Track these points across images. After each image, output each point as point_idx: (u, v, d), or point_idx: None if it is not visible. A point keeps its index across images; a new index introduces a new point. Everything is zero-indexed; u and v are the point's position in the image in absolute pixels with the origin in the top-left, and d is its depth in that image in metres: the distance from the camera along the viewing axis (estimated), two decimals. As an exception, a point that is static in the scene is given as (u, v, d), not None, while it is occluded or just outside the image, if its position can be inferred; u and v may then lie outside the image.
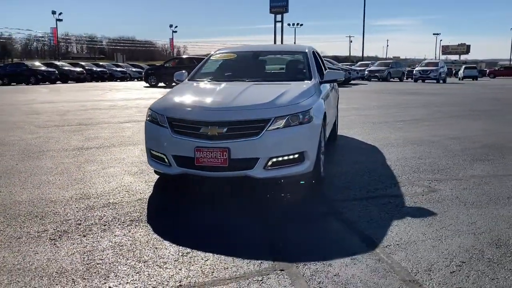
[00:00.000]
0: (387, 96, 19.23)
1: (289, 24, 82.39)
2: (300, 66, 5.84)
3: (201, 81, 5.71)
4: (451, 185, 4.81)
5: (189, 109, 4.53)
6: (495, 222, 3.73)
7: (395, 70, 37.15)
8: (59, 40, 78.29)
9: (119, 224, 3.75)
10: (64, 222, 3.82)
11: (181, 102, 4.71)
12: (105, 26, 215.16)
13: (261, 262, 3.01)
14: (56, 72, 34.10)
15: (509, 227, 3.62)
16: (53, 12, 61.87)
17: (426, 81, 35.30)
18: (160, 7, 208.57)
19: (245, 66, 6.12)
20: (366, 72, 37.15)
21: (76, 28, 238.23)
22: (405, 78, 38.89)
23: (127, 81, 40.53)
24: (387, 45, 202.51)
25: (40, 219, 3.89)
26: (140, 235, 3.53)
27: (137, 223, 3.77)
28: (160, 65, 29.32)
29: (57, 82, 34.39)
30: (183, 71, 6.09)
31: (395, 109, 13.01)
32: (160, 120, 4.55)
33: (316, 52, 6.84)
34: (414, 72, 36.10)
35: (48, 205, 4.25)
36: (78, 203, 4.33)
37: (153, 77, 26.05)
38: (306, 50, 6.01)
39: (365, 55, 70.06)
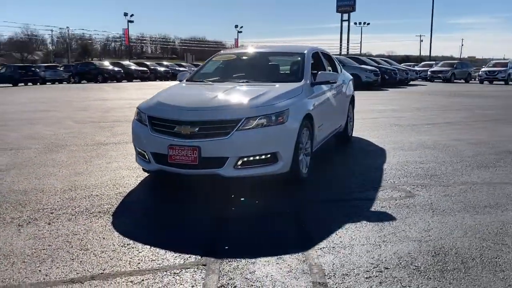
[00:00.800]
0: (436, 98, 18.49)
1: (355, 23, 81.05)
2: (294, 67, 5.88)
3: (197, 81, 5.91)
4: (433, 191, 4.68)
5: (167, 108, 4.74)
6: (451, 230, 3.63)
7: (460, 71, 35.44)
8: (132, 40, 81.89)
9: (86, 215, 4.04)
10: (40, 210, 4.16)
11: (163, 101, 4.94)
12: (178, 26, 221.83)
13: (189, 257, 3.15)
14: (122, 71, 35.90)
15: (463, 235, 3.52)
16: (125, 14, 65.00)
17: (494, 82, 33.40)
18: (230, 7, 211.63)
19: (241, 67, 6.26)
20: (428, 73, 35.75)
21: (152, 29, 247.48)
22: (472, 79, 36.97)
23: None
24: (462, 45, 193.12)
25: (22, 206, 4.27)
26: (97, 225, 3.78)
27: (102, 215, 4.04)
28: None
29: (123, 81, 36.16)
30: (186, 72, 6.32)
31: (433, 112, 12.54)
32: (143, 119, 4.81)
33: (323, 53, 6.82)
34: (479, 73, 34.22)
35: (37, 195, 4.64)
36: (64, 194, 4.68)
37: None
38: (305, 52, 6.04)
39: (439, 54, 67.58)
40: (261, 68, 6.04)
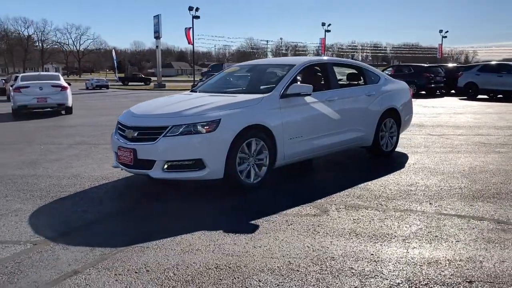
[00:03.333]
0: None
1: None
2: (273, 79, 5.97)
3: (194, 92, 6.47)
4: (362, 213, 4.38)
5: (127, 114, 5.48)
6: (292, 249, 3.51)
7: None
8: (328, 47, 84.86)
9: (30, 197, 5.04)
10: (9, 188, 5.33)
11: (132, 108, 5.69)
12: (390, 33, 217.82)
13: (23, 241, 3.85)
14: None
15: (296, 256, 3.39)
16: (323, 24, 67.34)
17: None
18: (433, 8, 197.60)
19: (232, 79, 6.61)
20: None
21: (362, 36, 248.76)
22: None
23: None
24: None
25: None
26: (23, 211, 4.62)
27: (38, 200, 4.96)
28: None
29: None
30: (201, 82, 6.96)
31: None
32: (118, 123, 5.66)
33: (323, 65, 6.59)
34: None
35: (31, 177, 5.86)
36: (49, 179, 5.81)
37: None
38: (296, 64, 6.06)
39: None
40: (244, 80, 6.30)
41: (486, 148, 7.71)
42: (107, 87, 45.34)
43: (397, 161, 6.75)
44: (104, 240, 3.73)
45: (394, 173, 5.99)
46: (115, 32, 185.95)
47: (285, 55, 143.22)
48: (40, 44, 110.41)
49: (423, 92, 23.83)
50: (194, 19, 50.09)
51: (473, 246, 3.51)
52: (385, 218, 4.19)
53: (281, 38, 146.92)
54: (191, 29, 50.50)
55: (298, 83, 5.76)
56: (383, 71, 27.16)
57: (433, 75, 23.29)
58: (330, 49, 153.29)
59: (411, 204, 4.63)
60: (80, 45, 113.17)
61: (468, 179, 5.60)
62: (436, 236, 3.73)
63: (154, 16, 52.21)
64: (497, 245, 3.52)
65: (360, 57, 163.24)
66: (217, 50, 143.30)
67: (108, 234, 3.91)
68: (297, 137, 5.60)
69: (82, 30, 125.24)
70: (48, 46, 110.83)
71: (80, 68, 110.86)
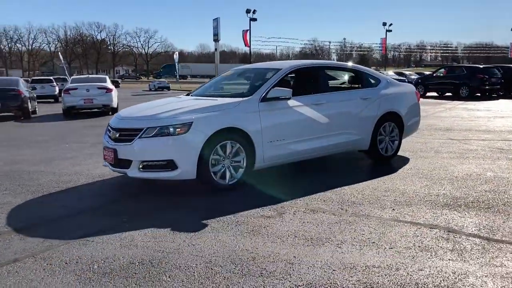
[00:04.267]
0: None
1: None
2: (257, 83, 6.09)
3: (188, 95, 6.73)
4: (315, 217, 4.42)
5: (115, 117, 5.84)
6: (221, 249, 3.65)
7: None
8: (394, 47, 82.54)
9: (24, 191, 5.50)
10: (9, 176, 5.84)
11: (122, 111, 6.05)
12: (462, 32, 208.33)
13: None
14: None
15: (220, 255, 3.53)
16: (384, 24, 65.90)
17: None
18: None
19: (221, 83, 6.79)
20: None
21: (432, 36, 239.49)
22: None
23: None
24: None
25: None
26: (10, 204, 5.05)
27: (30, 194, 5.41)
28: (429, 74, 28.06)
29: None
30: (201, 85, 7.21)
31: None
32: (109, 125, 6.03)
33: (312, 69, 6.62)
34: None
35: (38, 173, 6.37)
36: (52, 175, 6.28)
37: (421, 86, 25.29)
38: (282, 68, 6.15)
39: None
40: (233, 84, 6.46)
41: (500, 155, 7.38)
42: (168, 88, 47.14)
43: (393, 166, 6.64)
44: (60, 233, 4.05)
45: (381, 177, 5.91)
46: (182, 35, 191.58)
47: (350, 55, 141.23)
48: (112, 48, 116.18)
49: (479, 94, 22.74)
50: (251, 21, 50.71)
51: (403, 253, 3.48)
52: (336, 223, 4.21)
53: (344, 39, 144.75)
54: (248, 31, 51.16)
55: (281, 87, 5.81)
56: (434, 72, 26.19)
57: (488, 77, 22.17)
58: (397, 49, 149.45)
59: (372, 209, 4.59)
60: (148, 47, 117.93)
61: (453, 186, 5.44)
62: (373, 243, 3.71)
63: (213, 19, 53.39)
64: (428, 253, 3.47)
65: (428, 57, 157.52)
66: (280, 52, 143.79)
67: (67, 228, 4.22)
68: (278, 140, 5.69)
69: (150, 33, 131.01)
70: (119, 49, 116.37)
71: (148, 70, 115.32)
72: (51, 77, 32.15)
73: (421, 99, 21.21)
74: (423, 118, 11.40)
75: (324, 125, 6.16)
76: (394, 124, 7.02)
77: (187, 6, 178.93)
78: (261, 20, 52.10)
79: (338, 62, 7.81)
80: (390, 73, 41.32)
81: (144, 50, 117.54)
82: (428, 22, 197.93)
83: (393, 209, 4.59)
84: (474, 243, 3.67)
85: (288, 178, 6.17)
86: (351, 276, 3.10)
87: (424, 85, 25.36)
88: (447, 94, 24.66)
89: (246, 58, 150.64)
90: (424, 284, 2.97)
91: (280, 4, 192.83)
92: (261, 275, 3.13)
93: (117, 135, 5.34)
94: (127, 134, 5.25)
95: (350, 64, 7.33)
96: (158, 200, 5.15)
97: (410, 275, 3.10)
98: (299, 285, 2.98)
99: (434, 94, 25.49)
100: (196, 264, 3.33)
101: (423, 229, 4.02)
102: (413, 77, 33.90)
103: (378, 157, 6.90)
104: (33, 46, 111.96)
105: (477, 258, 3.36)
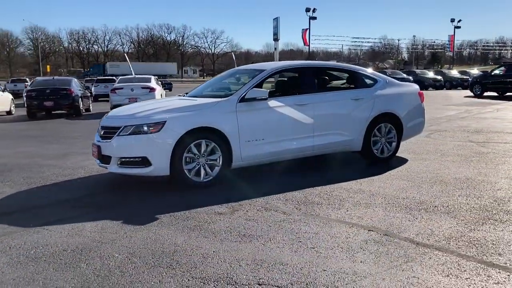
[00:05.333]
0: None
1: None
2: (242, 84, 6.25)
3: (183, 96, 7.02)
4: (264, 215, 4.51)
5: (105, 116, 6.24)
6: (151, 243, 3.88)
7: None
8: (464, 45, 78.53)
9: (23, 183, 6.02)
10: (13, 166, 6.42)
11: (112, 110, 6.44)
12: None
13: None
14: (411, 79, 35.95)
15: (145, 248, 3.76)
16: (452, 20, 62.98)
17: None
18: None
19: (215, 84, 7.00)
20: None
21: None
22: None
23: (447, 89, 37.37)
24: None
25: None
26: (1, 194, 5.61)
27: (26, 186, 5.93)
28: (487, 72, 26.39)
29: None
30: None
31: None
32: (103, 123, 6.44)
33: (299, 70, 6.69)
34: None
35: (47, 167, 6.93)
36: (57, 169, 6.81)
37: (477, 86, 23.98)
38: (266, 69, 6.28)
39: None
40: (222, 85, 6.67)
41: (509, 159, 7.02)
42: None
43: (385, 167, 6.54)
44: (25, 222, 4.44)
45: (364, 179, 5.88)
46: (248, 35, 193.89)
47: (422, 54, 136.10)
48: (181, 48, 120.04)
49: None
50: (311, 20, 50.52)
51: (319, 253, 3.52)
52: (279, 221, 4.30)
53: (414, 36, 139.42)
54: (308, 30, 51.00)
55: (260, 88, 5.94)
56: (492, 71, 24.58)
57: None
58: (473, 46, 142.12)
59: (326, 210, 4.62)
60: (214, 48, 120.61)
61: (429, 189, 5.33)
62: (300, 241, 3.78)
63: (273, 19, 53.81)
64: (345, 255, 3.49)
65: (509, 54, 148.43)
66: (348, 50, 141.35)
67: (34, 217, 4.61)
68: (257, 139, 5.82)
69: (217, 34, 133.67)
70: (188, 50, 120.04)
71: (215, 70, 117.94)
72: (114, 77, 33.91)
73: (473, 99, 20.24)
74: (460, 119, 10.98)
75: (308, 126, 6.19)
76: (391, 125, 6.89)
77: (255, 6, 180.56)
78: (326, 18, 51.50)
79: (330, 63, 7.78)
80: (455, 72, 39.51)
81: (211, 50, 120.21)
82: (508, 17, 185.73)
83: (347, 210, 4.60)
84: (399, 246, 3.63)
85: (265, 177, 6.25)
86: (252, 272, 3.21)
87: (481, 85, 24.05)
88: (508, 94, 23.24)
89: (312, 57, 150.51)
90: (313, 283, 3.02)
91: (348, 3, 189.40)
92: (169, 267, 3.32)
93: (102, 133, 5.72)
94: (109, 132, 5.61)
95: (342, 64, 7.30)
96: (131, 194, 5.45)
97: (309, 274, 3.16)
98: (196, 277, 3.14)
99: (494, 94, 24.08)
100: (118, 255, 3.57)
101: (360, 231, 4.02)
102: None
103: (372, 158, 6.81)
104: (108, 47, 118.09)
105: (390, 262, 3.34)
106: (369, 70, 7.40)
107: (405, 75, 37.21)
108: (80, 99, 17.09)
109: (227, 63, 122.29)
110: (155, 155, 5.33)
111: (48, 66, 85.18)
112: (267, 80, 6.41)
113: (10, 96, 19.39)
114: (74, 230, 4.18)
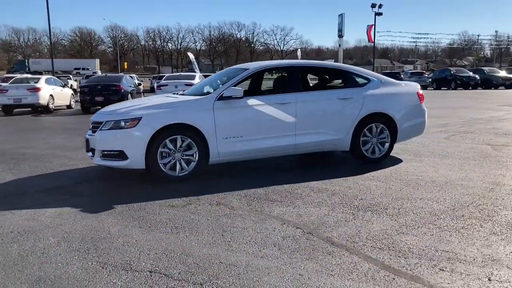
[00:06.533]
0: None
1: None
2: (225, 82, 6.44)
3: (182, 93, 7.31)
4: (210, 209, 4.68)
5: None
6: (86, 230, 4.22)
7: None
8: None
9: (28, 171, 6.60)
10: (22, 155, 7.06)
11: (107, 106, 6.88)
12: None
13: None
14: (477, 78, 34.10)
15: (76, 233, 4.12)
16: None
17: None
18: None
19: (206, 83, 7.21)
20: None
21: None
22: None
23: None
24: None
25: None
26: (2, 178, 6.25)
27: (27, 174, 6.52)
28: None
29: (478, 88, 34.24)
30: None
31: None
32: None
33: (285, 69, 6.76)
34: None
35: (58, 157, 7.54)
36: (66, 159, 7.39)
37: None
38: (249, 68, 6.45)
39: None
40: (209, 83, 6.90)
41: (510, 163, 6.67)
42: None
43: (373, 167, 6.45)
44: (1, 205, 4.95)
45: (338, 178, 5.86)
46: (320, 31, 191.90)
47: (507, 50, 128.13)
48: (250, 46, 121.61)
49: None
50: (376, 16, 49.24)
51: (233, 246, 3.65)
52: (221, 216, 4.46)
53: (496, 31, 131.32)
54: (373, 26, 49.78)
55: (237, 87, 6.09)
56: None
57: None
58: None
59: (274, 207, 4.71)
60: (283, 45, 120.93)
61: (396, 191, 5.24)
62: (222, 235, 3.93)
63: (338, 15, 53.06)
64: (254, 249, 3.60)
65: None
66: (425, 46, 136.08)
67: (11, 202, 5.07)
68: (235, 137, 6.00)
69: (286, 31, 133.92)
70: (257, 47, 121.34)
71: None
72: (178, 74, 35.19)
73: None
74: (499, 121, 10.50)
75: (289, 124, 6.26)
76: (384, 125, 6.77)
77: (327, 2, 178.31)
78: (398, 14, 49.87)
79: (319, 62, 7.68)
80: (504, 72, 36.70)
81: (280, 47, 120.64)
82: None
83: (294, 208, 4.67)
84: (312, 245, 3.68)
85: (242, 173, 6.36)
86: (153, 260, 3.42)
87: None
88: None
89: (385, 53, 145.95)
90: (200, 272, 3.18)
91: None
92: (85, 251, 3.61)
93: (91, 127, 6.16)
94: (95, 127, 6.03)
95: (332, 63, 7.21)
96: (112, 185, 5.83)
97: (203, 265, 3.31)
98: (99, 262, 3.41)
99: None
100: (53, 238, 3.92)
101: (288, 228, 4.09)
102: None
103: (363, 159, 6.75)
104: (181, 45, 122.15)
105: (290, 259, 3.42)
106: (364, 70, 7.28)
107: (471, 74, 35.35)
108: (129, 95, 18.00)
109: (295, 58, 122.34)
110: (131, 149, 5.66)
111: (125, 63, 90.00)
112: (265, 79, 6.52)
113: (71, 91, 20.84)
114: (35, 214, 4.58)
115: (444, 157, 7.13)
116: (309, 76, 7.10)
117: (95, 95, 17.37)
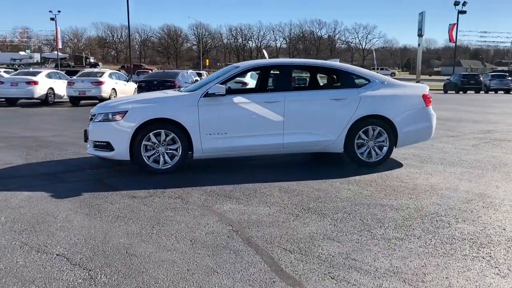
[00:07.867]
0: None
1: None
2: (216, 79, 6.53)
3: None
4: (166, 202, 4.85)
5: (97, 106, 7.09)
6: (38, 215, 4.57)
7: None
8: None
9: (38, 158, 7.15)
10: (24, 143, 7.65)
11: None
12: None
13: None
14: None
15: (26, 219, 4.47)
16: None
17: None
18: None
19: (209, 80, 7.32)
20: None
21: None
22: None
23: None
24: None
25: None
26: (14, 162, 6.84)
27: (34, 159, 7.07)
28: None
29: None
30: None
31: None
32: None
33: (277, 68, 6.70)
34: None
35: (71, 145, 8.10)
36: (78, 148, 7.90)
37: None
38: (241, 66, 6.51)
39: None
40: (206, 80, 7.03)
41: (522, 174, 6.16)
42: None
43: (365, 171, 6.25)
44: (-11, 187, 5.45)
45: (320, 180, 5.75)
46: (405, 30, 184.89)
47: None
48: (332, 44, 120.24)
49: None
50: (459, 14, 46.68)
51: (153, 238, 3.78)
52: (169, 209, 4.57)
53: None
54: (456, 25, 47.23)
55: (220, 85, 6.17)
56: None
57: None
58: None
59: (227, 204, 4.73)
60: (366, 43, 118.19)
61: (366, 196, 5.08)
62: (153, 227, 4.05)
63: (419, 13, 51.14)
64: (169, 241, 3.71)
65: None
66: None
67: (2, 185, 5.59)
68: (219, 133, 6.11)
69: (369, 29, 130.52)
70: (338, 46, 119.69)
71: (364, 66, 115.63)
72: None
73: None
74: None
75: (277, 123, 6.23)
76: (382, 128, 6.53)
77: (411, 2, 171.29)
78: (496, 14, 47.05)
79: (314, 61, 7.42)
80: None
81: (362, 45, 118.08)
82: None
83: (244, 206, 4.68)
84: (230, 241, 3.71)
85: (224, 169, 6.45)
86: (69, 246, 3.61)
87: None
88: None
89: (476, 54, 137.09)
90: (113, 256, 3.34)
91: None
92: (20, 233, 3.88)
93: (89, 119, 6.56)
94: (91, 119, 6.42)
95: (330, 63, 6.99)
96: (98, 173, 6.17)
97: (109, 254, 3.47)
98: (24, 243, 3.66)
99: None
100: (4, 218, 4.27)
101: (223, 225, 4.12)
102: None
103: (358, 162, 6.56)
104: (262, 43, 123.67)
105: (205, 252, 3.47)
106: (365, 71, 7.03)
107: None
108: (183, 90, 18.63)
109: (379, 58, 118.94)
110: (116, 141, 5.96)
111: (207, 60, 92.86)
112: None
113: (134, 86, 21.93)
114: (9, 196, 4.98)
115: (451, 165, 6.72)
116: (306, 75, 6.97)
117: (151, 90, 18.16)
